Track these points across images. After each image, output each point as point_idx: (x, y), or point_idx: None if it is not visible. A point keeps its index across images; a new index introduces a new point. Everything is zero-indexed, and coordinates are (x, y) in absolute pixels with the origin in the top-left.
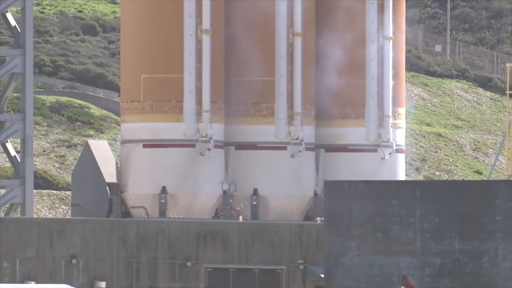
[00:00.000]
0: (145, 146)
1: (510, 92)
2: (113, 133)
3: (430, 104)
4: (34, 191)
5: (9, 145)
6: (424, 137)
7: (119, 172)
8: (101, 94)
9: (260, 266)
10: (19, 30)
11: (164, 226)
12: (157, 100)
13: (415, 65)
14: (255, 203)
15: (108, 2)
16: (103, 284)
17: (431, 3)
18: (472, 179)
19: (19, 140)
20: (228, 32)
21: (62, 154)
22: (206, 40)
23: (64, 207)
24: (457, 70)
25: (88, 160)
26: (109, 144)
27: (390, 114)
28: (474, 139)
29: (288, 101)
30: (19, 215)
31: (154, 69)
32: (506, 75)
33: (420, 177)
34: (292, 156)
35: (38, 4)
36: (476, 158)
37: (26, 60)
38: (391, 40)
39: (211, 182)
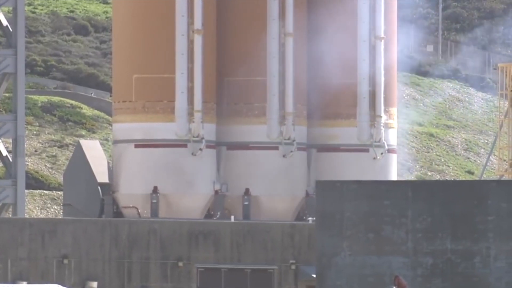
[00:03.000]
0: (137, 146)
1: (502, 92)
2: (105, 133)
3: (422, 104)
4: (26, 191)
5: (0, 145)
6: (416, 137)
7: (111, 172)
8: (92, 94)
9: (252, 266)
10: (11, 30)
11: (156, 226)
12: (149, 100)
13: (407, 65)
14: (247, 203)
15: (100, 2)
16: (95, 284)
17: (423, 3)
18: (464, 179)
19: (10, 140)
20: (219, 32)
21: (53, 154)
22: (198, 40)
23: (56, 207)
24: (449, 70)
25: (80, 160)
26: (101, 144)
27: (382, 114)
28: (466, 139)
29: (280, 101)
30: (10, 215)
31: (146, 69)
32: (497, 75)
33: (412, 177)
34: (284, 156)
35: (29, 4)
36: (468, 158)
37: (18, 60)
38: (382, 40)
39: (203, 182)
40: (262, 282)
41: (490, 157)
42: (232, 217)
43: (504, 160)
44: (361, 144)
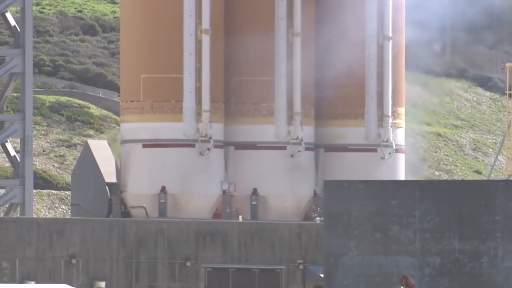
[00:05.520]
0: (144, 146)
1: (510, 92)
2: (113, 133)
3: (429, 104)
4: (34, 191)
5: (8, 145)
6: (424, 136)
7: (119, 172)
8: (100, 94)
9: (259, 266)
10: (19, 30)
11: (164, 226)
12: (156, 100)
13: (415, 65)
14: (254, 203)
15: (108, 2)
16: (103, 284)
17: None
18: (471, 178)
19: (18, 140)
20: (227, 32)
21: (61, 154)
22: (205, 40)
23: (63, 207)
24: (457, 70)
25: (87, 160)
26: (109, 144)
27: (390, 114)
28: (473, 139)
29: (287, 101)
30: (18, 215)
31: (153, 69)
32: (506, 74)
33: (419, 177)
34: (291, 156)
35: (37, 4)
36: (476, 158)
37: (26, 60)
38: (390, 40)
39: (210, 182)
40: (270, 282)
41: (498, 157)
42: (240, 217)
43: None
44: (369, 144)
